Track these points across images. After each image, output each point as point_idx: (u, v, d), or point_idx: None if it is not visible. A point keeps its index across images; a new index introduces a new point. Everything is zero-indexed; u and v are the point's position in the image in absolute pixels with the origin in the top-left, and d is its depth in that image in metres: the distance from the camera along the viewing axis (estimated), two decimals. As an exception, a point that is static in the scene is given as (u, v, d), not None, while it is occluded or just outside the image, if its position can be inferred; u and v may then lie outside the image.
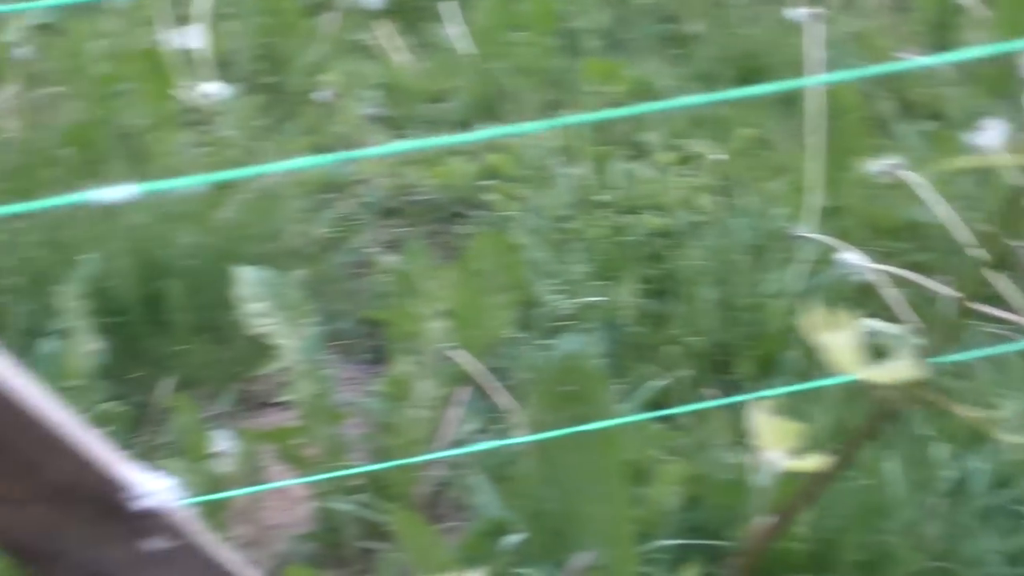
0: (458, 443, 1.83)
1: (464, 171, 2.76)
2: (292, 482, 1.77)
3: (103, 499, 0.77)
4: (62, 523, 0.78)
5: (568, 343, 1.33)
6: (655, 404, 1.80)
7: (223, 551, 0.83)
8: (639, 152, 2.73)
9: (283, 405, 2.10)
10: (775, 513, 0.98)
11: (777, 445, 0.97)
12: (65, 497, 0.77)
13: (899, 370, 0.80)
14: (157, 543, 0.80)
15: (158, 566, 0.81)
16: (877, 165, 2.11)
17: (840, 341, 0.80)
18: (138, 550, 0.80)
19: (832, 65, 3.07)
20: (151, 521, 0.79)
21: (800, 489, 0.94)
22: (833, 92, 2.41)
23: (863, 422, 0.89)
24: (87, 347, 1.89)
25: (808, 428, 0.99)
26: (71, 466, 0.75)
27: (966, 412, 0.88)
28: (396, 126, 3.13)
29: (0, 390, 0.71)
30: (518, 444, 1.58)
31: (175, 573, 0.82)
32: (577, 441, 1.32)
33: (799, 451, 0.97)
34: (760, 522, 0.90)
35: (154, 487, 0.77)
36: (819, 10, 2.27)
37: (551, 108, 3.11)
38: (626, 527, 1.31)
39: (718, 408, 1.68)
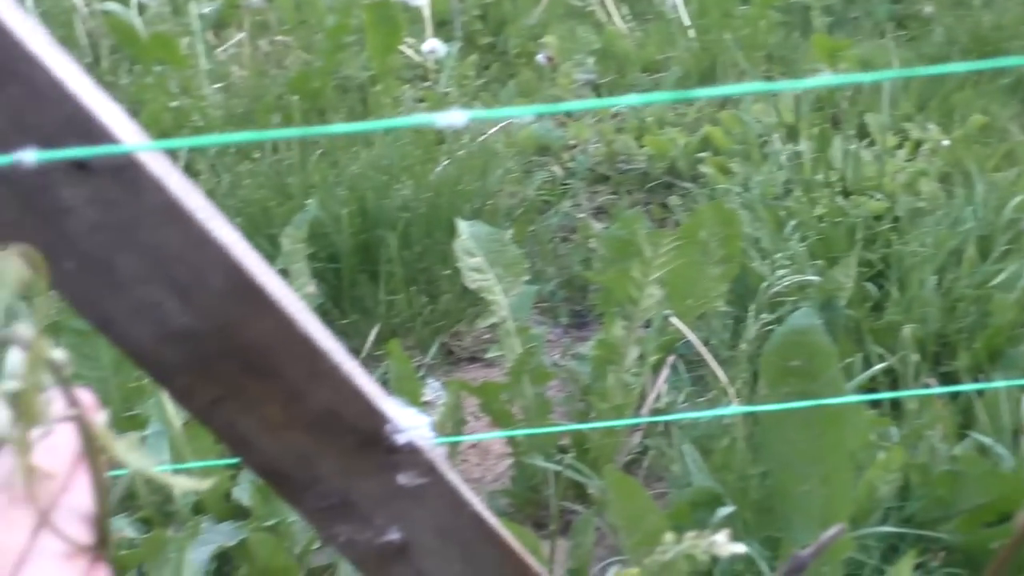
0: (663, 411, 1.83)
1: (677, 142, 2.73)
2: (499, 435, 1.78)
3: (365, 431, 0.78)
4: (321, 451, 0.80)
5: (798, 317, 1.29)
6: (867, 390, 1.76)
7: (469, 492, 0.84)
8: (861, 134, 2.66)
9: (487, 361, 2.13)
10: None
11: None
12: (327, 426, 0.78)
13: None
14: (409, 478, 0.81)
15: (405, 501, 0.83)
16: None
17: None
18: (390, 483, 0.81)
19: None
20: (407, 456, 0.80)
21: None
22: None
23: None
24: (305, 289, 1.94)
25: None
26: (337, 396, 0.77)
27: None
28: (609, 93, 3.12)
29: (281, 314, 0.73)
30: (729, 416, 1.56)
31: (421, 509, 0.84)
32: (801, 417, 1.30)
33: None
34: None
35: (414, 423, 0.79)
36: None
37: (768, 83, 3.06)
38: (844, 510, 1.28)
39: (937, 397, 1.63)
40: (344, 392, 0.76)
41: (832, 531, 0.79)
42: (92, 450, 0.45)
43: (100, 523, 0.49)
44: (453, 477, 0.83)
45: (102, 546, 0.50)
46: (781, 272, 1.92)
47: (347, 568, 1.49)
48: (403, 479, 0.81)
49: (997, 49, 2.96)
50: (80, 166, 0.67)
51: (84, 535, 0.50)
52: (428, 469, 0.81)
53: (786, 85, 0.66)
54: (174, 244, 0.70)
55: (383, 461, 0.80)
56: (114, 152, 0.66)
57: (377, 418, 0.78)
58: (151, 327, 0.72)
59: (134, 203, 0.68)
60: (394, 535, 0.85)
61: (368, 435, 0.79)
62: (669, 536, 0.80)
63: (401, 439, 0.78)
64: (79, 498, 0.52)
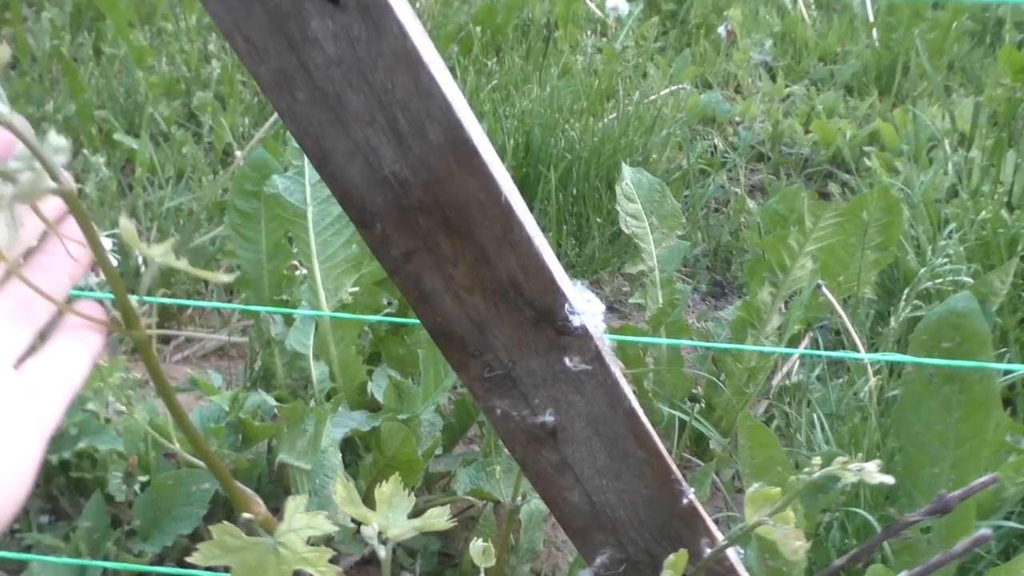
0: (794, 386, 1.83)
1: (844, 132, 2.71)
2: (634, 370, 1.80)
3: (543, 307, 0.81)
4: (497, 320, 0.83)
5: (959, 299, 1.29)
6: (1004, 400, 1.74)
7: (628, 389, 0.87)
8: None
9: (624, 313, 2.15)
10: None
11: None
12: (508, 296, 0.81)
13: None
14: (576, 362, 0.84)
15: (567, 385, 0.86)
16: None
17: None
18: (556, 364, 0.84)
19: None
20: (577, 340, 0.83)
21: None
22: None
23: None
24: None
25: None
26: (523, 267, 0.80)
27: None
28: (783, 76, 3.11)
29: (487, 177, 0.76)
30: (863, 393, 1.56)
31: (579, 396, 0.86)
32: (944, 399, 1.30)
33: None
34: None
35: (591, 308, 0.81)
36: None
37: (948, 93, 3.01)
38: (971, 499, 1.28)
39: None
40: (531, 264, 0.79)
41: (986, 478, 0.80)
42: (83, 222, 0.49)
43: (120, 305, 0.53)
44: (615, 371, 0.86)
45: (128, 324, 0.53)
46: (936, 266, 1.90)
47: (465, 479, 1.53)
48: (570, 362, 0.84)
49: None
50: (333, 0, 0.71)
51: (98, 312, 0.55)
52: (594, 357, 0.84)
53: None
54: (403, 90, 0.73)
55: (554, 341, 0.83)
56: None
57: (557, 296, 0.81)
58: (365, 169, 0.76)
59: (375, 43, 0.72)
60: (548, 417, 0.88)
61: (545, 312, 0.82)
62: (817, 459, 0.81)
63: (576, 321, 0.80)
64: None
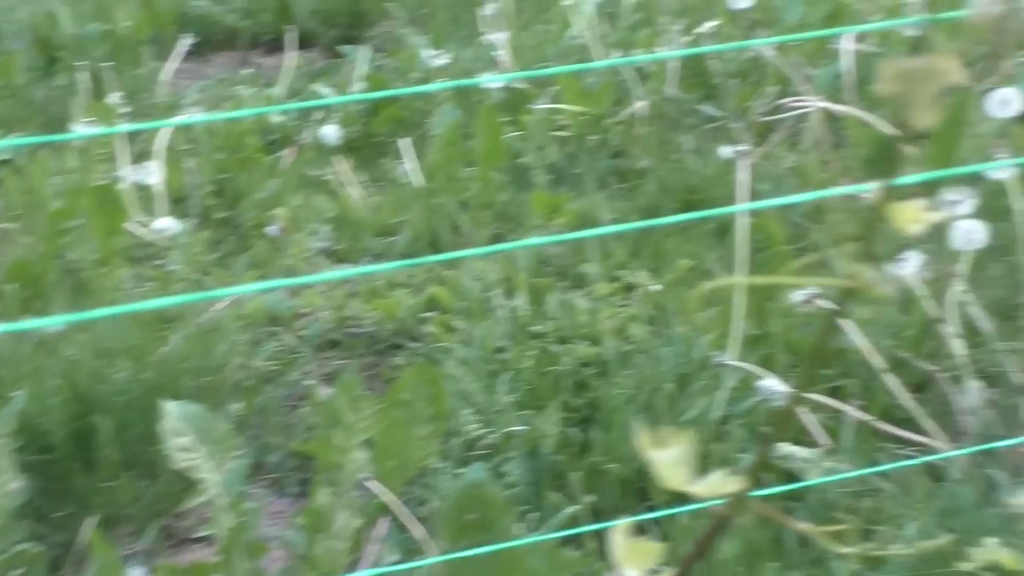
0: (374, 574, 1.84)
1: (405, 303, 2.80)
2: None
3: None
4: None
5: (473, 472, 1.35)
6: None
7: None
8: (578, 283, 2.78)
9: (206, 540, 2.11)
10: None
11: (634, 565, 0.99)
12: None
13: (723, 484, 0.83)
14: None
15: None
16: (799, 294, 2.15)
17: (668, 457, 0.82)
18: None
19: (767, 198, 3.16)
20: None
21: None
22: (760, 224, 2.47)
23: (698, 537, 0.91)
24: (8, 486, 1.89)
25: (668, 547, 1.01)
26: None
27: (799, 526, 0.90)
28: (344, 259, 3.19)
29: None
30: (425, 568, 1.59)
31: None
32: (482, 566, 1.34)
33: (655, 571, 0.99)
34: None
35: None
36: (746, 148, 2.35)
37: (497, 241, 3.18)
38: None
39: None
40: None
41: None
42: None
43: None
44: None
45: None
46: (487, 425, 1.98)
47: None
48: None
49: (704, 197, 3.16)
50: None
51: None
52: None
53: (497, 248, 0.71)
54: None
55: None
56: None
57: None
58: None
59: None
60: None
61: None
62: None
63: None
64: None
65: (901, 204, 0.67)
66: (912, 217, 0.67)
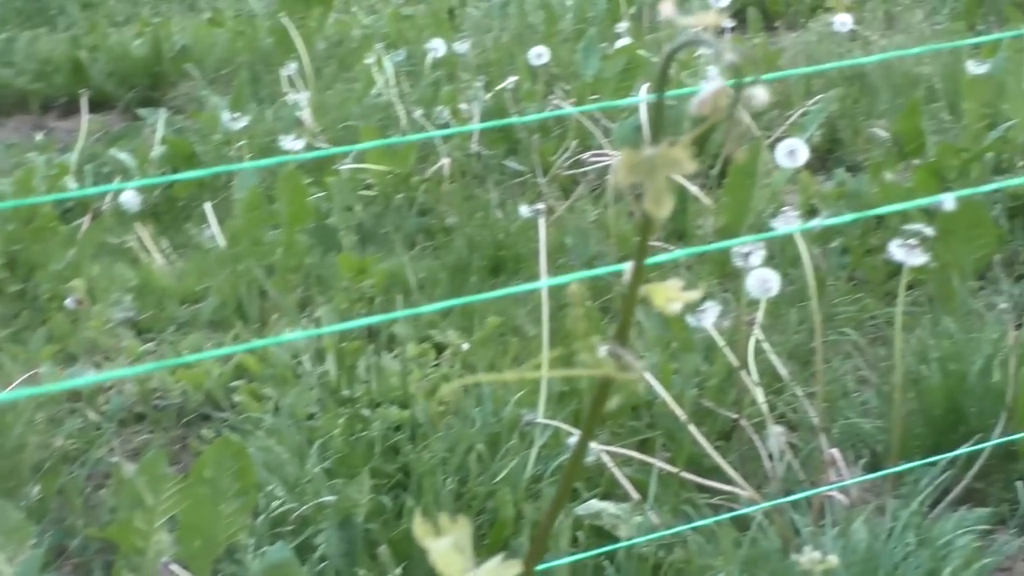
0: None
1: (213, 373, 2.74)
2: None
3: None
4: None
5: (276, 552, 1.32)
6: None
7: None
8: (389, 345, 2.76)
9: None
10: None
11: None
12: None
13: (500, 570, 0.82)
14: None
15: None
16: (604, 349, 2.18)
17: (445, 546, 0.82)
18: None
19: (574, 252, 3.21)
20: None
21: None
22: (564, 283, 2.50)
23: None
24: None
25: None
26: None
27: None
28: (148, 330, 3.10)
29: None
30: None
31: None
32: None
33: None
34: None
35: None
36: (542, 206, 2.38)
37: (305, 305, 3.14)
38: None
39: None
40: None
41: None
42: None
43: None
44: None
45: None
46: (297, 497, 1.94)
47: None
48: None
49: (511, 253, 3.19)
50: None
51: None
52: None
53: (282, 338, 0.69)
54: None
55: None
56: None
57: None
58: None
59: None
60: None
61: None
62: None
63: None
64: None
65: (658, 284, 0.68)
66: (669, 296, 0.68)
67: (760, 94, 0.58)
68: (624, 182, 0.61)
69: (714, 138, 3.83)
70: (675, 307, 0.68)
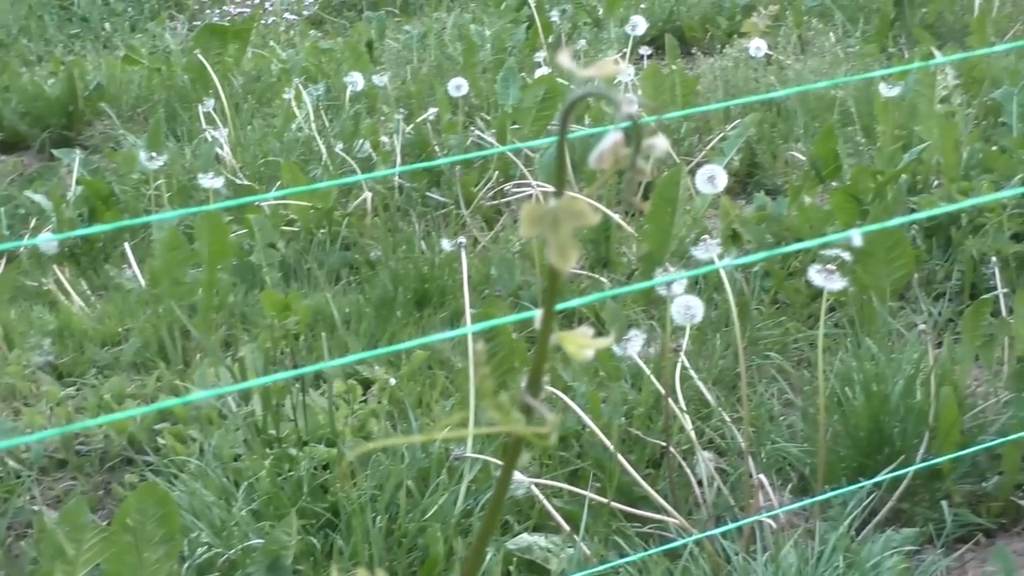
0: None
1: (135, 417, 2.69)
2: None
3: None
4: None
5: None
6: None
7: None
8: (315, 382, 2.74)
9: None
10: None
11: None
12: None
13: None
14: None
15: None
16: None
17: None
18: None
19: (499, 282, 3.21)
20: None
21: None
22: (488, 312, 2.50)
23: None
24: None
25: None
26: None
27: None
28: (68, 373, 3.05)
29: None
30: None
31: None
32: None
33: None
34: None
35: None
36: (463, 240, 2.37)
37: (229, 344, 3.10)
38: None
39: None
40: None
41: None
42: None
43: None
44: None
45: None
46: (223, 541, 1.91)
47: None
48: None
49: (436, 285, 3.18)
50: None
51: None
52: None
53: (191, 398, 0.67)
54: None
55: None
56: None
57: None
58: None
59: None
60: None
61: None
62: None
63: None
64: None
65: (569, 333, 0.68)
66: (581, 344, 0.68)
67: (660, 144, 0.58)
68: (528, 235, 0.61)
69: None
70: (587, 354, 0.68)
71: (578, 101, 0.59)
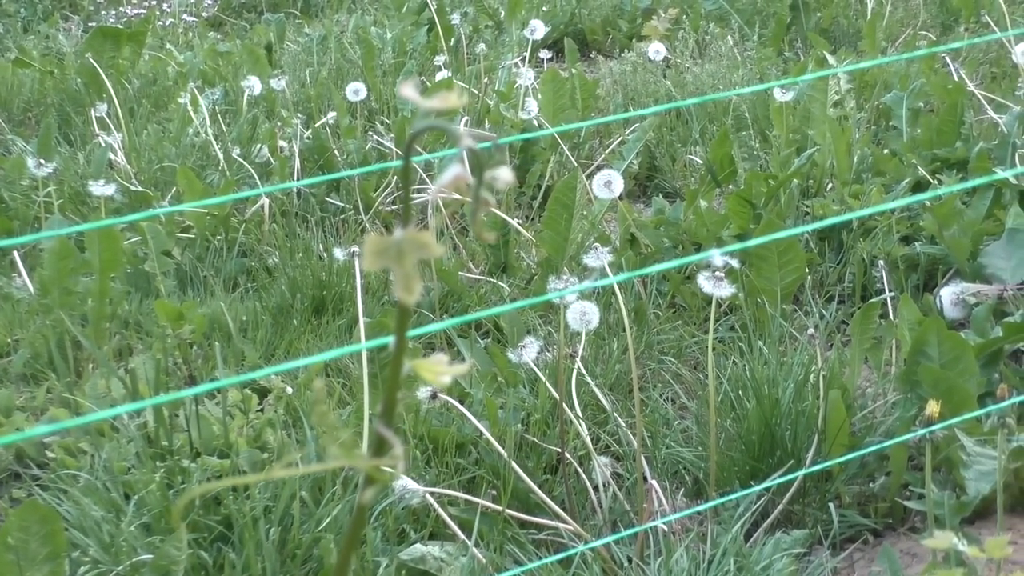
0: None
1: (25, 428, 2.63)
2: None
3: None
4: None
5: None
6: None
7: None
8: (211, 392, 2.70)
9: None
10: None
11: None
12: None
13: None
14: None
15: None
16: (424, 390, 2.17)
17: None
18: None
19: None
20: None
21: None
22: (382, 323, 2.48)
23: None
24: None
25: None
26: None
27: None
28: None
29: None
30: None
31: None
32: None
33: None
34: None
35: None
36: (356, 248, 2.36)
37: (122, 354, 3.05)
38: None
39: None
40: None
41: None
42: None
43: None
44: None
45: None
46: (112, 557, 1.88)
47: None
48: None
49: (334, 292, 3.15)
50: None
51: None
52: None
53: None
54: None
55: None
56: None
57: None
58: None
59: None
60: None
61: None
62: None
63: None
64: None
65: (423, 360, 0.68)
66: (437, 371, 0.68)
67: (505, 175, 0.57)
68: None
69: (533, 170, 3.87)
70: (444, 380, 0.67)
71: (419, 135, 0.58)
